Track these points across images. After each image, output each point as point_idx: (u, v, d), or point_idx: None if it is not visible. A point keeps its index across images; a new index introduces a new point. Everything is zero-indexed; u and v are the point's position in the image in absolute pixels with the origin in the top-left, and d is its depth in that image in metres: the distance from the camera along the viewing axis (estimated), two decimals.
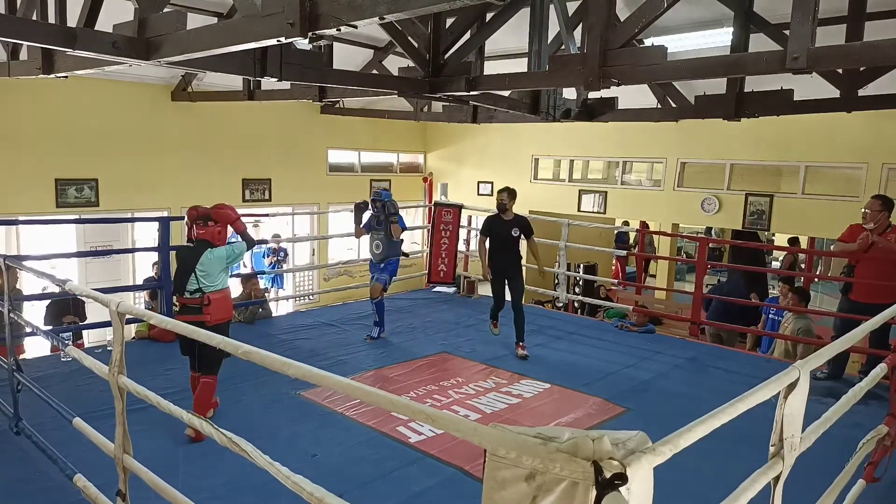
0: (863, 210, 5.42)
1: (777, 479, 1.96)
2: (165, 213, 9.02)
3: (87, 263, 8.85)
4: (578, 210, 11.21)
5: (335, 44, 6.96)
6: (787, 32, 3.32)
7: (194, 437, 3.82)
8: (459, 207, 8.46)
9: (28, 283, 7.41)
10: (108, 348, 4.48)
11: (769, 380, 1.84)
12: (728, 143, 9.34)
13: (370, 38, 8.07)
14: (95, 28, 3.77)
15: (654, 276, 13.10)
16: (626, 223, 13.77)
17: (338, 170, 12.10)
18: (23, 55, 5.16)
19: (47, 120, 8.33)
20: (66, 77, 4.81)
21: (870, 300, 5.06)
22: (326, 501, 1.86)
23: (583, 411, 4.73)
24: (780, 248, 14.62)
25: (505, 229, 6.04)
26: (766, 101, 5.59)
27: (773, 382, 1.84)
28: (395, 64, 6.99)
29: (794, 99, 5.41)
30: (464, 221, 8.58)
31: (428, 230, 8.98)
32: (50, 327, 6.34)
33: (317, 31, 2.81)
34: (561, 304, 8.36)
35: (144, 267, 8.98)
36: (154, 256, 7.55)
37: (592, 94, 6.67)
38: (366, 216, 6.33)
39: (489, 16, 5.01)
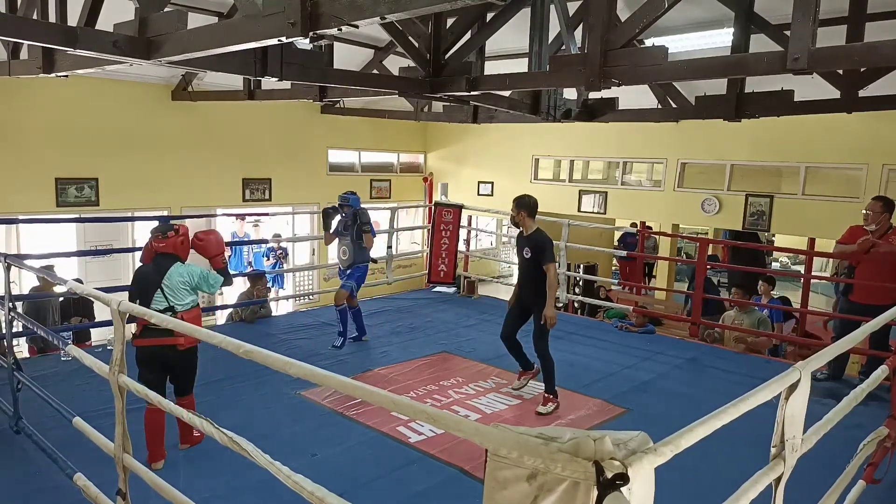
0: (864, 211, 5.42)
1: (778, 480, 1.96)
2: (165, 213, 9.03)
3: (87, 263, 8.85)
4: (578, 210, 11.20)
5: (335, 44, 6.95)
6: (787, 33, 3.32)
7: (193, 443, 3.74)
8: (460, 207, 8.46)
9: (28, 283, 7.41)
10: (109, 347, 4.48)
11: (770, 381, 1.85)
12: (728, 144, 9.33)
13: (371, 38, 8.07)
14: (96, 27, 3.77)
15: (654, 276, 13.10)
16: (633, 224, 13.62)
17: (338, 170, 12.09)
18: (23, 54, 5.16)
19: (47, 119, 8.33)
20: (66, 76, 4.81)
21: (870, 301, 5.07)
22: (326, 501, 1.86)
23: (583, 412, 4.73)
24: (778, 249, 14.64)
25: (519, 248, 4.98)
26: (767, 102, 5.59)
27: (775, 383, 1.84)
28: (395, 64, 6.99)
29: (795, 99, 5.40)
30: (464, 221, 8.58)
31: (428, 230, 8.98)
32: (56, 327, 6.34)
33: (318, 31, 2.81)
34: (561, 305, 8.36)
35: None
36: None
37: (593, 95, 6.68)
38: (335, 222, 6.12)
39: (490, 16, 5.00)
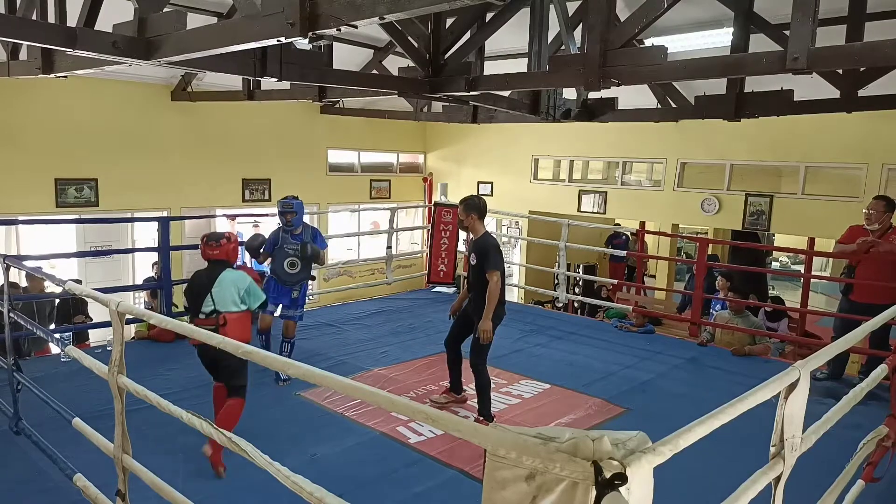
0: (866, 210, 5.42)
1: (778, 479, 1.96)
2: (165, 213, 9.03)
3: (87, 263, 8.85)
4: (578, 210, 11.21)
5: (335, 44, 6.95)
6: (787, 33, 3.32)
7: (210, 455, 3.53)
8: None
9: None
10: (108, 348, 4.49)
11: (769, 380, 1.85)
12: (728, 144, 9.33)
13: (370, 38, 8.07)
14: (95, 28, 3.77)
15: (654, 276, 13.09)
16: (617, 225, 13.46)
17: (338, 170, 12.09)
18: (23, 55, 5.16)
19: (47, 120, 8.32)
20: (65, 77, 4.81)
21: (870, 301, 5.07)
22: (326, 501, 1.86)
23: (583, 411, 4.73)
24: (778, 249, 14.64)
25: (468, 253, 4.63)
26: (766, 102, 5.59)
27: (774, 383, 1.84)
28: (395, 64, 6.99)
29: (794, 99, 5.41)
30: None
31: (428, 230, 8.98)
32: (57, 327, 6.35)
33: (317, 31, 2.81)
34: (561, 304, 8.36)
35: (144, 267, 8.98)
36: (154, 256, 7.56)
37: (592, 95, 6.68)
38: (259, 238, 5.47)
39: (489, 16, 5.01)
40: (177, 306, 6.84)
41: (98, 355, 3.31)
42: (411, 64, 5.09)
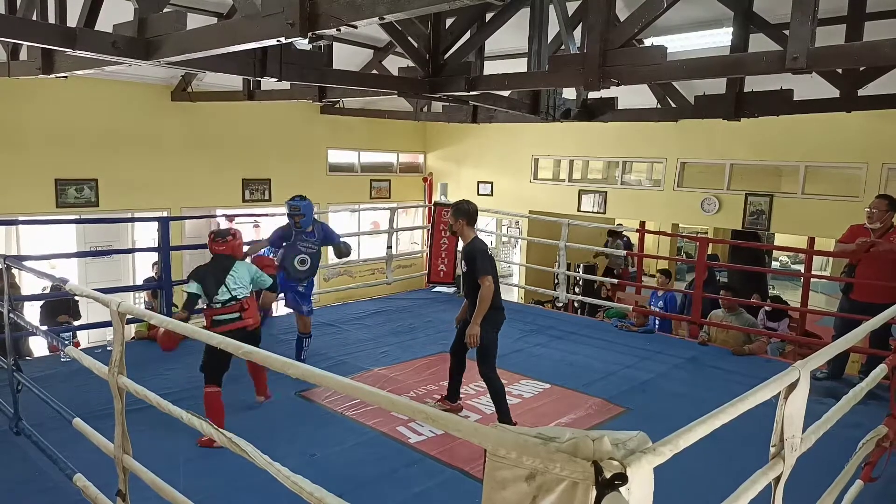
0: (868, 209, 5.41)
1: (778, 479, 1.96)
2: (165, 213, 9.03)
3: (87, 263, 8.85)
4: (578, 210, 11.21)
5: (335, 44, 6.95)
6: (786, 32, 3.32)
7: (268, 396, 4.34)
8: None
9: (28, 284, 7.41)
10: (108, 348, 4.49)
11: (769, 380, 1.84)
12: (728, 143, 9.33)
13: (370, 38, 8.07)
14: (95, 28, 3.77)
15: (654, 276, 13.08)
16: (619, 225, 13.25)
17: (338, 170, 12.09)
18: (23, 55, 5.16)
19: (47, 120, 8.33)
20: (65, 77, 4.81)
21: (870, 300, 5.07)
22: (326, 501, 1.86)
23: (583, 411, 4.73)
24: (778, 248, 14.63)
25: (460, 260, 4.66)
26: (766, 101, 5.59)
27: (774, 382, 1.84)
28: (395, 64, 6.99)
29: (794, 99, 5.40)
30: None
31: (428, 230, 8.98)
32: (45, 327, 6.35)
33: (317, 31, 2.81)
34: (561, 304, 8.36)
35: (144, 267, 8.98)
36: (154, 256, 7.56)
37: (592, 94, 6.67)
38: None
39: (489, 16, 5.01)
40: (177, 306, 6.84)
41: (98, 355, 3.31)
42: (411, 64, 5.09)
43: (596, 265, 12.64)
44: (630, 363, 5.85)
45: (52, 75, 4.65)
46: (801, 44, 3.02)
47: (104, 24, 3.75)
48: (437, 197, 9.33)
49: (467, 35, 5.00)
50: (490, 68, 5.42)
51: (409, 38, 4.94)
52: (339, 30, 2.79)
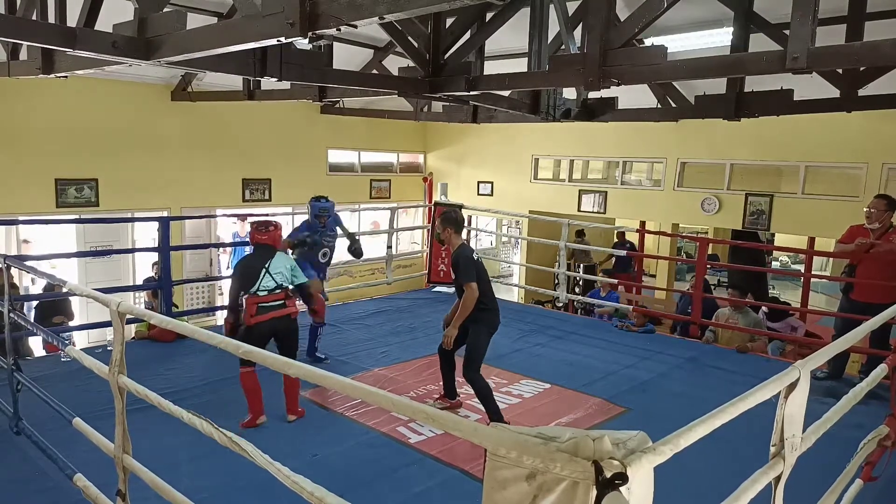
0: (867, 209, 5.41)
1: (778, 479, 1.96)
2: (165, 213, 9.03)
3: (87, 263, 8.85)
4: (578, 210, 11.21)
5: (335, 44, 6.95)
6: (787, 32, 3.32)
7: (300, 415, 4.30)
8: (460, 207, 8.46)
9: (26, 284, 7.42)
10: (109, 348, 4.49)
11: (769, 380, 1.84)
12: (728, 143, 9.33)
13: (370, 38, 8.07)
14: (95, 28, 3.77)
15: (654, 276, 13.10)
16: (622, 233, 13.17)
17: (338, 170, 12.09)
18: (23, 55, 5.16)
19: (47, 120, 8.32)
20: (66, 77, 4.81)
21: (870, 300, 5.07)
22: (326, 501, 1.86)
23: (583, 411, 4.73)
24: (778, 248, 14.63)
25: (451, 266, 4.66)
26: (766, 101, 5.59)
27: (774, 382, 1.84)
28: (395, 64, 6.99)
29: (794, 99, 5.40)
30: None
31: (428, 230, 8.98)
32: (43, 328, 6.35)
33: (317, 31, 2.81)
34: (561, 304, 8.36)
35: (144, 267, 8.99)
36: (154, 256, 7.56)
37: (592, 94, 6.67)
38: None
39: (489, 16, 5.00)
40: (177, 306, 6.85)
41: (98, 355, 3.31)
42: (411, 64, 5.09)
43: (596, 265, 12.65)
44: (630, 363, 5.85)
45: (52, 75, 4.65)
46: (802, 44, 3.02)
47: (104, 24, 3.75)
48: (437, 197, 9.33)
49: (467, 35, 5.00)
50: (490, 68, 5.42)
51: (410, 37, 4.94)
52: (339, 29, 2.79)
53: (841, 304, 5.70)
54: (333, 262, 6.22)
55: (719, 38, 6.23)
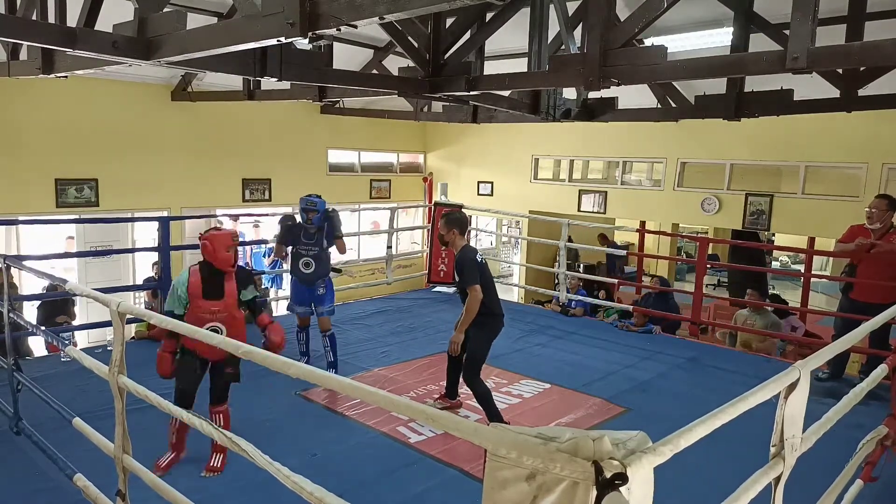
0: (868, 209, 5.41)
1: (778, 479, 1.96)
2: (165, 213, 9.03)
3: (87, 263, 8.85)
4: (578, 210, 11.21)
5: (335, 44, 6.96)
6: (787, 32, 3.32)
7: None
8: (459, 207, 8.46)
9: (27, 284, 7.41)
10: (109, 348, 4.49)
11: (770, 380, 1.84)
12: (728, 143, 9.33)
13: (370, 38, 8.07)
14: (95, 28, 3.76)
15: (654, 276, 13.09)
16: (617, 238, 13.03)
17: (338, 170, 12.09)
18: (23, 55, 5.15)
19: (47, 120, 8.32)
20: (65, 77, 4.81)
21: (870, 300, 5.07)
22: (326, 501, 1.86)
23: (583, 411, 4.73)
24: (778, 248, 14.64)
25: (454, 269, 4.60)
26: (766, 101, 5.59)
27: (774, 382, 1.84)
28: (395, 64, 6.99)
29: (794, 99, 5.40)
30: None
31: (428, 230, 8.98)
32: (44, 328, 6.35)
33: (317, 31, 2.81)
34: (561, 304, 8.35)
35: (144, 267, 8.98)
36: (154, 256, 7.56)
37: (592, 94, 6.67)
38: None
39: (489, 16, 5.00)
40: None
41: (98, 355, 3.31)
42: (411, 64, 5.08)
43: (596, 265, 12.66)
44: (630, 363, 5.85)
45: (52, 75, 4.64)
46: (802, 44, 3.01)
47: (104, 23, 3.75)
48: (437, 197, 9.33)
49: (467, 35, 5.00)
50: (490, 68, 5.42)
51: (409, 37, 4.94)
52: (339, 29, 2.79)
53: (841, 304, 5.69)
54: (332, 262, 5.87)
55: (719, 38, 6.23)
